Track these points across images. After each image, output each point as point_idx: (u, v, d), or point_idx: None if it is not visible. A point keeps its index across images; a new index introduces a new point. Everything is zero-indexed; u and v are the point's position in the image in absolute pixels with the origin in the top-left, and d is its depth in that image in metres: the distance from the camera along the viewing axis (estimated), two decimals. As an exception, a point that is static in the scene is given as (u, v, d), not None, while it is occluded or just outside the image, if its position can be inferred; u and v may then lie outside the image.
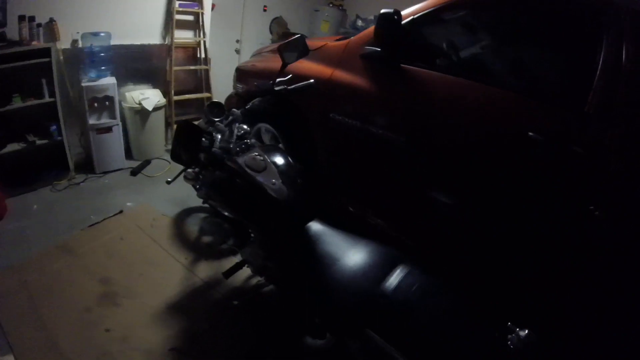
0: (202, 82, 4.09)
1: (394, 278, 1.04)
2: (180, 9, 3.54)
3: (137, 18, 3.31)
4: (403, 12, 1.80)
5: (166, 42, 3.61)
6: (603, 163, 1.30)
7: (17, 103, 2.57)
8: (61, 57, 2.83)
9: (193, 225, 2.56)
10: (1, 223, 2.37)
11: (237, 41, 4.60)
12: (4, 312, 1.74)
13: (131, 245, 2.30)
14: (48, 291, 1.88)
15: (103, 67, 3.07)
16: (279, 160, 1.51)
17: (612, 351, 1.33)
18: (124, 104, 3.29)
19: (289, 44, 1.69)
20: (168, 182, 2.43)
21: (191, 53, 3.93)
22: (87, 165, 3.15)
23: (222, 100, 2.43)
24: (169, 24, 3.54)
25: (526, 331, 0.91)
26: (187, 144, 1.69)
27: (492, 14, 1.77)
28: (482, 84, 1.61)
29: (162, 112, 3.56)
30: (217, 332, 1.78)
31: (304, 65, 2.11)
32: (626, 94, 1.29)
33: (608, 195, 1.31)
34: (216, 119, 1.77)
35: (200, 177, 1.92)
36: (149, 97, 3.35)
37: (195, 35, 3.86)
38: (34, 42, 2.62)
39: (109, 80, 3.04)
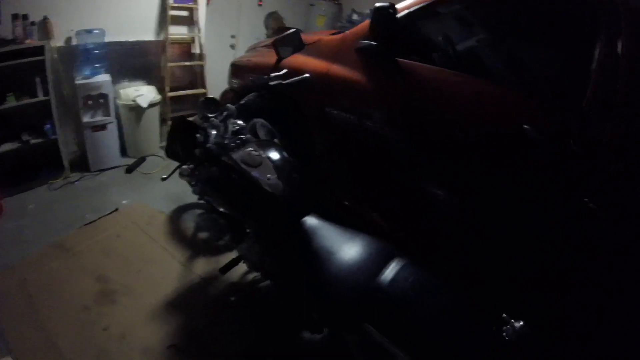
0: (197, 78, 4.06)
1: (390, 271, 1.04)
2: (175, 5, 3.52)
3: (131, 14, 3.29)
4: (398, 6, 1.78)
5: (161, 38, 3.58)
6: (601, 160, 1.29)
7: (12, 102, 2.56)
8: (55, 55, 2.81)
9: (189, 222, 2.55)
10: (-2, 223, 2.37)
11: (232, 36, 4.56)
12: (3, 312, 1.74)
13: (128, 243, 2.29)
14: (46, 290, 1.88)
15: (97, 65, 3.04)
16: (275, 155, 1.51)
17: (612, 351, 1.33)
18: (119, 101, 3.26)
19: (284, 39, 1.68)
20: (163, 179, 2.43)
21: (186, 49, 3.90)
22: (82, 164, 3.14)
23: (217, 96, 2.42)
24: (164, 19, 3.51)
25: (521, 323, 0.91)
26: (182, 140, 1.69)
27: (489, 8, 1.76)
28: (478, 78, 1.60)
29: (157, 109, 3.53)
30: (216, 329, 1.78)
31: (299, 59, 2.08)
32: (624, 91, 1.27)
33: (607, 194, 1.30)
34: (211, 115, 1.76)
35: (196, 173, 1.91)
36: (144, 93, 3.33)
37: (190, 31, 3.83)
38: (27, 41, 2.60)
39: (104, 78, 3.02)
